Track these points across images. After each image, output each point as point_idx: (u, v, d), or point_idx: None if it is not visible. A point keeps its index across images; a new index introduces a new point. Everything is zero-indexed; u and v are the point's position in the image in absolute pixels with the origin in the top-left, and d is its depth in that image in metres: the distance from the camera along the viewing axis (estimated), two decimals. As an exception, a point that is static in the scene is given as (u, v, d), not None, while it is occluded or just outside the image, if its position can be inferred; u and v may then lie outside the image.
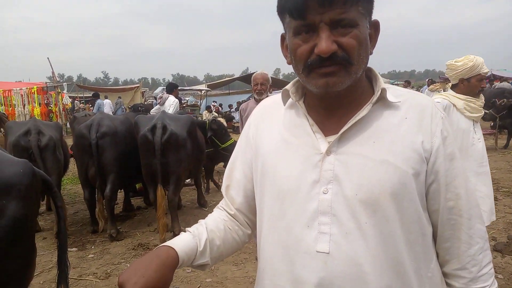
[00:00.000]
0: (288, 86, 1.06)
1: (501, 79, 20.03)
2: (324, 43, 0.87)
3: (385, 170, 0.91)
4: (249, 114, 4.36)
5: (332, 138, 0.96)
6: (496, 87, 14.18)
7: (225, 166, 7.16)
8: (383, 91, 0.96)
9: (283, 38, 1.02)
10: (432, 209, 0.97)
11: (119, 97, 20.46)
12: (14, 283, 1.98)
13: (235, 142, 7.22)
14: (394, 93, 0.99)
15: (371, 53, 0.97)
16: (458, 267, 0.99)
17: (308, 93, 1.04)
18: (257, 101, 3.99)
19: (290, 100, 1.07)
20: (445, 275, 1.02)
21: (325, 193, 0.94)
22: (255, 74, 4.15)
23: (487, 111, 9.55)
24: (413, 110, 0.97)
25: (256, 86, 4.05)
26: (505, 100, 9.13)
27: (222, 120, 7.71)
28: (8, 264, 1.93)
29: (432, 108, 0.98)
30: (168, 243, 1.01)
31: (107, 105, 16.39)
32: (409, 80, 20.69)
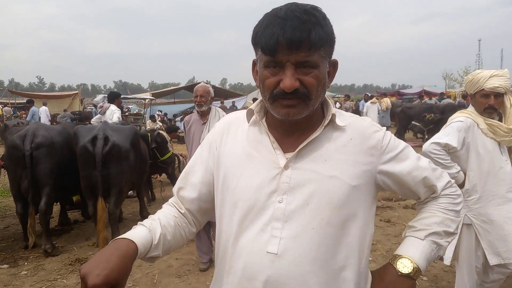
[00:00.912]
0: (252, 106, 1.20)
1: (430, 94, 21.62)
2: (288, 81, 1.01)
3: (333, 184, 1.08)
4: (192, 126, 3.94)
5: (290, 155, 1.11)
6: (426, 102, 15.29)
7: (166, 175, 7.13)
8: (333, 116, 1.13)
9: (254, 63, 1.16)
10: (407, 187, 1.19)
11: (65, 110, 19.37)
12: None
13: (173, 155, 7.23)
14: (341, 117, 1.17)
15: (328, 87, 1.13)
16: (433, 192, 1.23)
17: (269, 113, 1.17)
18: (198, 113, 4.06)
19: (253, 118, 1.20)
20: (424, 202, 1.25)
21: (280, 202, 1.08)
22: (196, 86, 4.16)
23: (417, 124, 10.32)
24: (357, 132, 1.15)
25: (196, 98, 4.04)
26: (432, 115, 9.88)
27: (163, 132, 7.73)
28: None
29: (370, 128, 1.17)
30: (125, 235, 1.07)
31: (43, 112, 15.41)
32: (348, 94, 21.79)
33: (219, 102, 20.14)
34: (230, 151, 1.20)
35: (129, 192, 6.23)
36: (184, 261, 4.35)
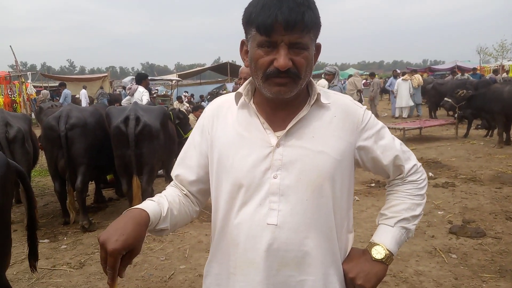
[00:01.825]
0: (240, 89, 1.26)
1: (464, 70, 20.84)
2: (283, 60, 1.08)
3: (322, 158, 1.18)
4: None
5: (280, 133, 1.19)
6: (457, 78, 14.78)
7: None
8: (318, 95, 1.21)
9: (243, 43, 1.23)
10: (380, 165, 1.29)
11: (101, 87, 19.92)
12: None
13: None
14: (325, 95, 1.25)
15: (313, 68, 1.20)
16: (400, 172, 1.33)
17: (257, 95, 1.25)
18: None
19: (241, 100, 1.26)
20: (392, 183, 1.37)
21: (275, 178, 1.17)
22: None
23: (448, 100, 9.99)
24: (340, 109, 1.24)
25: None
26: (464, 91, 9.55)
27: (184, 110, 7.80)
28: None
29: (352, 106, 1.27)
30: (138, 206, 1.17)
31: (82, 95, 15.88)
32: (373, 72, 21.26)
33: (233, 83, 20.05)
34: (222, 134, 1.26)
35: (159, 172, 6.41)
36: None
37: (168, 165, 5.90)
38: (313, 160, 1.17)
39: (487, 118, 9.79)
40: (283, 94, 1.13)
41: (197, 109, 9.83)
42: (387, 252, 1.25)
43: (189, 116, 8.73)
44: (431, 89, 14.16)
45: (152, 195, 5.30)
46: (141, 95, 6.77)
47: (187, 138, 5.62)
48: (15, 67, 16.21)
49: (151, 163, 4.86)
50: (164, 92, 22.48)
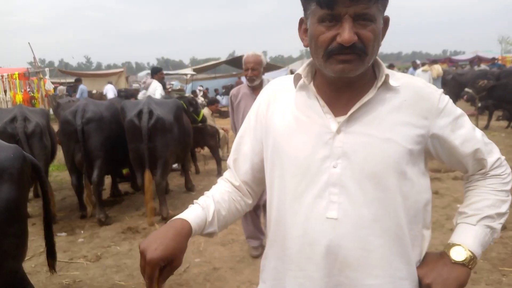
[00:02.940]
0: (299, 70, 1.16)
1: (485, 60, 20.33)
2: (347, 34, 0.96)
3: (388, 147, 1.04)
4: (242, 100, 3.55)
5: (341, 118, 1.07)
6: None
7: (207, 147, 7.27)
8: (387, 76, 1.07)
9: (301, 21, 1.12)
10: (456, 157, 1.14)
11: (109, 82, 20.15)
12: (10, 260, 2.07)
13: (215, 128, 7.31)
14: (394, 77, 1.10)
15: (380, 45, 1.07)
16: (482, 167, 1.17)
17: (318, 76, 1.14)
18: (249, 86, 3.54)
19: (300, 83, 1.16)
20: (471, 179, 1.20)
21: (334, 167, 1.06)
22: (246, 56, 3.51)
23: (469, 91, 9.74)
24: (411, 93, 1.09)
25: (247, 72, 3.46)
26: (485, 81, 9.30)
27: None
28: (4, 242, 2.02)
29: (425, 89, 1.12)
30: (180, 215, 1.11)
31: (110, 90, 16.10)
32: (392, 64, 20.88)
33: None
34: (279, 118, 1.17)
35: (174, 166, 6.44)
36: (229, 231, 4.48)
37: (183, 158, 5.91)
38: (378, 149, 1.04)
39: (509, 109, 9.54)
40: (347, 73, 1.02)
41: (212, 103, 9.81)
42: (469, 253, 1.08)
43: (204, 110, 8.74)
44: (451, 80, 13.85)
45: (166, 189, 5.27)
46: (155, 89, 6.80)
47: (202, 120, 5.38)
48: (33, 63, 16.46)
49: (164, 157, 4.87)
50: (179, 87, 22.58)
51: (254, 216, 3.74)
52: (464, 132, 1.12)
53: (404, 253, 1.08)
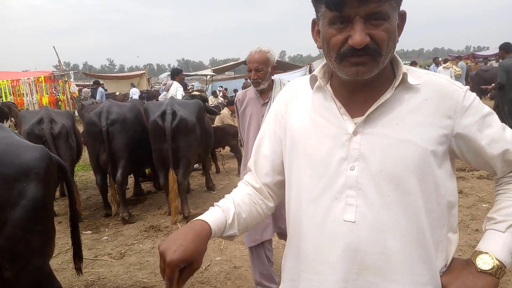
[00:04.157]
0: (315, 72, 1.14)
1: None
2: (359, 36, 0.94)
3: (407, 148, 1.00)
4: (248, 106, 2.90)
5: (358, 119, 1.05)
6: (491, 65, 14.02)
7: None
8: (404, 75, 1.04)
9: (314, 22, 1.09)
10: (483, 158, 1.08)
11: (132, 84, 20.56)
12: (37, 257, 2.14)
13: (236, 128, 7.30)
14: (414, 75, 1.06)
15: (397, 42, 1.03)
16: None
17: (334, 77, 1.12)
18: (257, 90, 2.87)
19: (317, 84, 1.14)
20: (501, 181, 1.14)
21: (352, 170, 1.04)
22: (249, 54, 2.87)
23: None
24: (433, 91, 1.04)
25: (250, 73, 2.81)
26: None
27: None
28: (31, 240, 2.08)
29: (449, 86, 1.06)
30: (200, 217, 1.11)
31: (135, 93, 16.51)
32: (415, 61, 20.45)
33: (281, 74, 19.73)
34: (296, 119, 1.17)
35: (195, 165, 6.51)
36: (250, 230, 4.50)
37: (204, 158, 5.97)
38: (397, 151, 1.00)
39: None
40: (361, 75, 0.99)
41: (232, 103, 9.84)
42: (497, 262, 1.02)
43: (223, 110, 8.80)
44: (475, 76, 13.51)
45: (188, 188, 5.28)
46: (176, 90, 6.88)
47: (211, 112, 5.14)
48: (58, 66, 16.89)
49: (187, 157, 4.93)
50: (200, 87, 22.78)
51: (262, 257, 2.93)
52: (492, 131, 1.05)
53: (426, 258, 1.04)
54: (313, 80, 1.15)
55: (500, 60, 8.21)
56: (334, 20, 0.97)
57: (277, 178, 1.25)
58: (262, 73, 2.77)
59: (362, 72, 0.98)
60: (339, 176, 1.05)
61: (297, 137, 1.14)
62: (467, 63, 17.52)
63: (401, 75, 1.03)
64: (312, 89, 1.16)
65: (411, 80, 1.04)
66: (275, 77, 2.92)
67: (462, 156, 1.09)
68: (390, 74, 1.07)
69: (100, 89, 15.98)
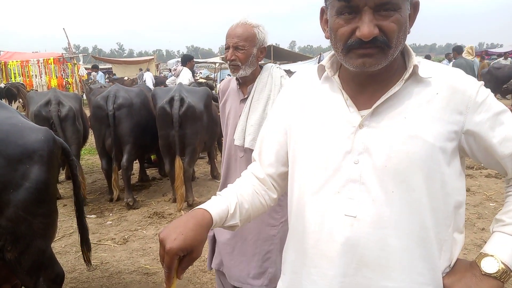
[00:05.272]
0: (323, 62, 1.11)
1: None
2: (367, 28, 0.91)
3: (414, 143, 0.97)
4: (228, 101, 2.29)
5: (365, 112, 1.02)
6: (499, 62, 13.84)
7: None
8: (415, 67, 1.00)
9: (322, 11, 1.06)
10: (494, 157, 1.04)
11: (141, 69, 20.56)
12: (39, 239, 2.13)
13: None
14: (426, 68, 1.02)
15: (408, 33, 1.00)
16: None
17: (342, 68, 1.09)
18: (237, 80, 2.22)
19: (325, 74, 1.11)
20: None
21: (355, 163, 1.01)
22: (230, 27, 2.14)
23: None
24: (444, 85, 1.00)
25: (227, 52, 2.11)
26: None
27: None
28: (33, 222, 2.07)
29: (462, 81, 1.01)
30: (202, 206, 1.09)
31: (148, 77, 16.50)
32: (429, 55, 20.17)
33: (288, 64, 19.50)
34: (301, 110, 1.14)
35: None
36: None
37: (210, 146, 5.94)
38: (403, 146, 0.97)
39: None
40: (368, 67, 0.96)
41: None
42: (502, 266, 0.98)
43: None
44: (486, 73, 13.30)
45: (193, 176, 5.25)
46: (184, 77, 6.84)
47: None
48: (68, 49, 16.90)
49: (193, 144, 4.90)
50: (208, 75, 22.70)
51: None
52: (505, 130, 1.01)
53: (428, 258, 1.01)
54: (321, 70, 1.12)
55: (453, 60, 8.56)
56: (342, 10, 0.94)
57: (281, 169, 1.23)
58: (244, 53, 2.05)
59: (369, 63, 0.95)
60: (342, 169, 1.03)
61: (302, 129, 1.12)
62: (479, 60, 17.24)
63: (412, 67, 1.00)
64: (320, 80, 1.13)
65: (422, 72, 1.00)
66: (268, 64, 2.25)
67: (472, 154, 1.05)
68: (401, 66, 1.04)
69: (100, 72, 16.11)
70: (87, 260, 2.82)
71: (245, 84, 2.19)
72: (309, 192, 1.09)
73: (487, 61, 17.94)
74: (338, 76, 1.09)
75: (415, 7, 1.01)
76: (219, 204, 1.11)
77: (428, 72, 1.01)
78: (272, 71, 2.18)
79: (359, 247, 1.01)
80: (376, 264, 1.00)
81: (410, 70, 1.00)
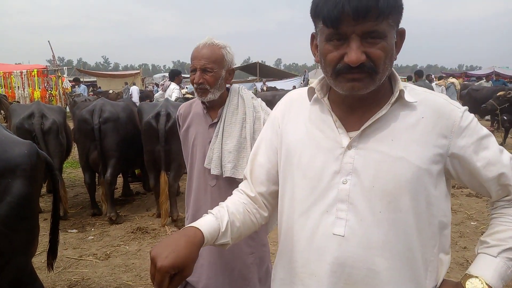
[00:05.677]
0: (313, 84, 1.15)
1: (501, 76, 20.05)
2: (354, 54, 0.95)
3: (401, 165, 1.00)
4: (192, 127, 2.15)
5: (354, 134, 1.05)
6: (481, 85, 14.36)
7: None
8: (401, 92, 1.04)
9: (313, 37, 1.10)
10: (478, 181, 1.07)
11: (126, 83, 20.48)
12: (19, 255, 2.08)
13: None
14: (412, 92, 1.07)
15: (395, 59, 1.04)
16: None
17: (332, 91, 1.12)
18: (204, 104, 2.10)
19: (315, 96, 1.15)
20: (496, 205, 1.12)
21: (344, 183, 1.04)
22: (195, 48, 2.02)
23: (491, 102, 9.43)
24: (429, 109, 1.04)
25: (193, 75, 1.99)
26: (509, 91, 9.12)
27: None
28: (14, 237, 2.03)
29: (447, 106, 1.05)
30: (193, 224, 1.09)
31: (134, 91, 16.45)
32: (410, 75, 20.60)
33: (274, 81, 19.54)
34: (292, 130, 1.17)
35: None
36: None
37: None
38: (390, 167, 1.01)
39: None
40: (357, 91, 0.99)
41: None
42: (486, 287, 1.02)
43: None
44: (466, 95, 13.65)
45: (178, 192, 5.18)
46: (172, 92, 6.84)
47: None
48: (52, 61, 16.74)
49: (178, 160, 4.87)
50: (193, 90, 22.68)
51: None
52: (489, 154, 1.04)
53: (414, 278, 1.03)
54: (311, 92, 1.16)
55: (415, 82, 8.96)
56: (331, 37, 0.98)
57: (272, 188, 1.25)
58: (212, 75, 1.95)
59: (358, 87, 0.99)
60: (331, 189, 1.05)
61: (293, 148, 1.14)
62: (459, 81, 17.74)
63: (398, 91, 1.04)
64: (310, 101, 1.16)
65: (408, 97, 1.04)
66: (235, 86, 2.16)
67: (457, 177, 1.08)
68: (388, 90, 1.08)
69: (82, 85, 16.17)
70: (50, 264, 2.78)
71: (213, 108, 2.09)
72: (299, 211, 1.10)
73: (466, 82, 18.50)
74: (328, 98, 1.13)
75: (401, 35, 1.05)
76: (210, 222, 1.12)
77: (414, 96, 1.05)
78: (242, 93, 2.12)
79: (347, 267, 1.02)
80: (364, 283, 1.02)
81: (396, 95, 1.04)
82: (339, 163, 1.05)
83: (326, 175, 1.06)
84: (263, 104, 2.16)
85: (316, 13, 1.00)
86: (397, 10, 0.97)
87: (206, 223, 1.11)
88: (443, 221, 1.07)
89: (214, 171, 2.01)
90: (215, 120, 2.07)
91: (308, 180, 1.09)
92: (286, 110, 1.23)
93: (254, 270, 2.10)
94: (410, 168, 1.00)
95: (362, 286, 1.02)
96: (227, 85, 2.11)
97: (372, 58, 0.96)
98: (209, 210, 1.18)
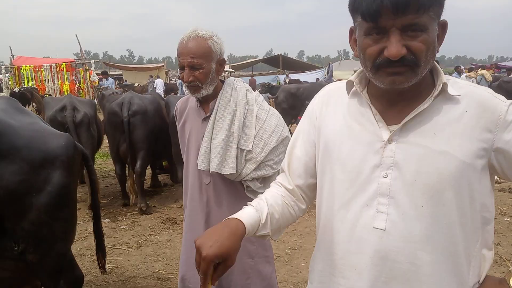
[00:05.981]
0: (352, 77, 1.13)
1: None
2: (394, 48, 0.93)
3: (444, 160, 0.99)
4: (187, 122, 2.12)
5: (394, 127, 1.03)
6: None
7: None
8: (444, 85, 1.02)
9: (351, 31, 1.08)
10: None
11: (151, 76, 20.81)
12: (59, 242, 2.16)
13: None
14: (455, 86, 1.04)
15: (437, 51, 1.02)
16: None
17: (371, 84, 1.11)
18: (198, 101, 2.04)
19: (353, 89, 1.14)
20: None
21: (384, 177, 1.03)
22: (179, 42, 1.91)
23: None
24: (474, 103, 1.02)
25: (182, 72, 1.92)
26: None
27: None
28: (55, 225, 2.11)
29: (491, 100, 1.03)
30: (234, 216, 1.12)
31: (159, 84, 16.76)
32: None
33: (298, 74, 19.39)
34: (331, 123, 1.16)
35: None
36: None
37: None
38: (433, 161, 0.99)
39: None
40: (398, 85, 0.98)
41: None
42: None
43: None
44: (496, 87, 13.21)
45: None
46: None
47: None
48: (80, 55, 17.14)
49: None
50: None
51: None
52: None
53: (457, 273, 1.02)
54: (350, 85, 1.15)
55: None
56: (370, 31, 0.97)
57: (309, 181, 1.25)
58: (202, 72, 1.87)
59: (399, 81, 0.98)
60: (371, 182, 1.05)
61: (331, 142, 1.14)
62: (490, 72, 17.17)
63: (441, 85, 1.02)
64: (348, 94, 1.15)
65: (451, 90, 1.02)
66: (230, 78, 2.07)
67: (502, 172, 1.05)
68: (430, 83, 1.05)
69: (110, 79, 16.60)
70: (102, 266, 2.83)
71: (207, 101, 2.01)
72: (338, 204, 1.11)
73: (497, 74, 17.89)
74: (367, 91, 1.11)
75: (443, 27, 1.03)
76: (251, 214, 1.13)
77: (457, 90, 1.03)
78: (236, 85, 2.03)
79: (389, 260, 1.02)
80: (406, 278, 1.01)
81: (439, 88, 1.02)
82: (379, 156, 1.04)
83: (366, 168, 1.05)
84: (260, 98, 2.07)
85: (354, 7, 0.99)
86: (438, 2, 0.95)
87: (247, 215, 1.12)
88: (486, 216, 1.05)
89: (201, 165, 1.93)
90: (208, 114, 2.00)
91: (348, 173, 1.08)
92: (324, 103, 1.21)
93: (254, 275, 2.01)
94: (454, 162, 0.98)
95: (403, 280, 1.02)
96: (222, 78, 2.05)
97: (413, 51, 0.95)
98: (248, 202, 1.19)
